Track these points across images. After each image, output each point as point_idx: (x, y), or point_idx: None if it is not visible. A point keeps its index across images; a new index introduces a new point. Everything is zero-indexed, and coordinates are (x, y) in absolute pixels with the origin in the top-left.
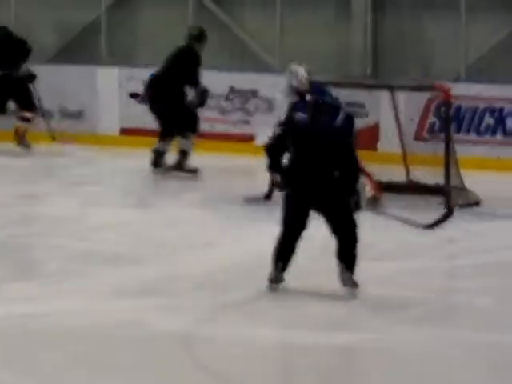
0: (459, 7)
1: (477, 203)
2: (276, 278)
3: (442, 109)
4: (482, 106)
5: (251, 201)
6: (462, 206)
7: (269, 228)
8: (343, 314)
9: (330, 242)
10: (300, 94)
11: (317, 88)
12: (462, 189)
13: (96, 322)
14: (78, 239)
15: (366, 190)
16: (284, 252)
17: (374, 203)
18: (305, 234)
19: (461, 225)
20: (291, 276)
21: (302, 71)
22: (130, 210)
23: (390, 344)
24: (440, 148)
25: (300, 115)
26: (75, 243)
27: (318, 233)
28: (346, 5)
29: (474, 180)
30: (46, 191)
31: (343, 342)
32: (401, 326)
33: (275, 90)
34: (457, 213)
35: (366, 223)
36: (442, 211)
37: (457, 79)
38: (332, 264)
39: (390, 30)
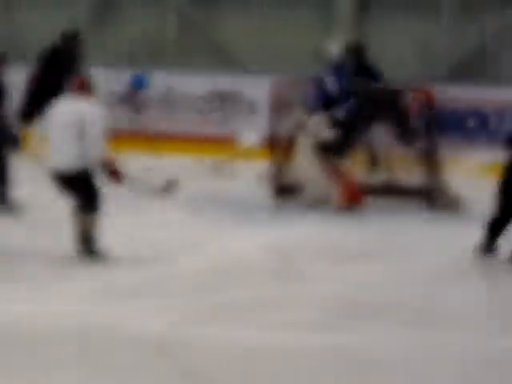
0: (443, 10)
1: (460, 205)
2: (485, 248)
3: (425, 111)
4: (464, 108)
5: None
6: (445, 208)
7: (255, 229)
8: (322, 317)
9: (321, 248)
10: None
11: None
12: (445, 191)
13: (85, 324)
14: (65, 241)
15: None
16: (495, 231)
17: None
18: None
19: (440, 227)
20: (277, 279)
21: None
22: (117, 212)
23: (367, 346)
24: (422, 150)
25: None
26: (62, 245)
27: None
28: (329, 6)
29: (456, 182)
30: (31, 194)
31: (322, 344)
32: (379, 329)
33: (255, 91)
34: (436, 215)
35: (343, 224)
36: None
37: (440, 81)
38: (319, 268)
39: (374, 31)
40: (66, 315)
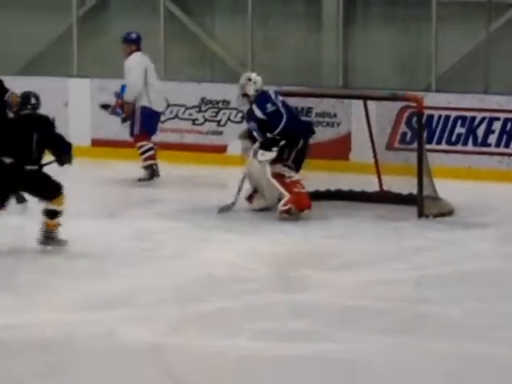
0: (430, 19)
1: (450, 213)
2: None
3: (415, 119)
4: (453, 115)
5: (225, 210)
6: (436, 216)
7: (238, 238)
8: (310, 325)
9: (309, 256)
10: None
11: (262, 97)
12: (436, 198)
13: (65, 334)
14: (46, 251)
15: (282, 202)
16: None
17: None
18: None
19: (430, 234)
20: (264, 287)
21: (260, 80)
22: (101, 222)
23: (356, 354)
24: (412, 158)
25: None
26: (44, 255)
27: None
28: (317, 16)
29: (446, 189)
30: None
31: (311, 352)
32: (368, 337)
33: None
34: (427, 222)
35: (332, 232)
36: None
37: (428, 89)
38: (307, 276)
39: (361, 42)
40: (49, 325)
